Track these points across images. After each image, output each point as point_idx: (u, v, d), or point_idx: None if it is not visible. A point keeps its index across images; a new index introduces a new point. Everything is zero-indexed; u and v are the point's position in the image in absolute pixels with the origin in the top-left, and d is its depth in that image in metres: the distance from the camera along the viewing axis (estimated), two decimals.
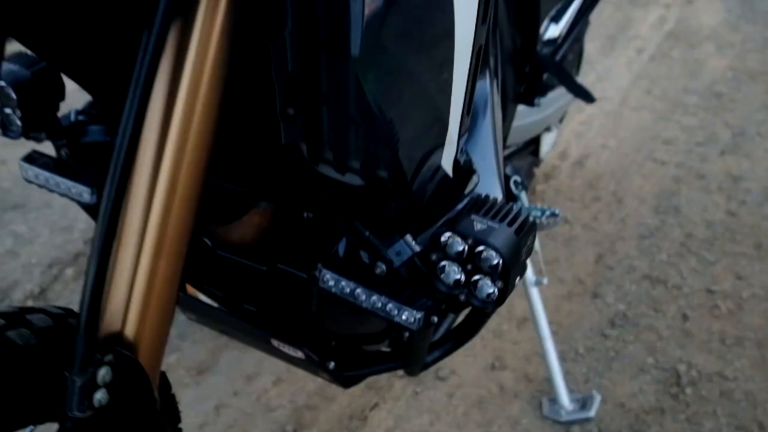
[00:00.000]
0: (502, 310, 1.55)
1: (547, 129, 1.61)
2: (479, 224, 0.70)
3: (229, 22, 0.56)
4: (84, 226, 1.91)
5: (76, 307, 0.61)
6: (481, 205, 0.73)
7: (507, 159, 1.49)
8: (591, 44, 2.73)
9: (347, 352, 0.96)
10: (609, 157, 2.11)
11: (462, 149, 0.80)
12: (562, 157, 2.10)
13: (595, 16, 2.48)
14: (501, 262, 0.69)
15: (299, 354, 0.95)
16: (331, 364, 0.94)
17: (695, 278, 1.67)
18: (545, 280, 1.33)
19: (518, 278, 0.75)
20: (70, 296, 1.70)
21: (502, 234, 0.69)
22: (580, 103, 2.24)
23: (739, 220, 1.86)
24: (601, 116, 2.30)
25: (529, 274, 1.34)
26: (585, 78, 2.46)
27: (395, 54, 0.61)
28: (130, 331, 0.60)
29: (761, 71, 2.60)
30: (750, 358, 1.48)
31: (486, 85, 0.84)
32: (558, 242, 1.77)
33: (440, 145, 0.75)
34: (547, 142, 1.69)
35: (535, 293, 1.36)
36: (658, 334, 1.53)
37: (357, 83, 0.62)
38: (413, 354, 0.89)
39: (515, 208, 0.73)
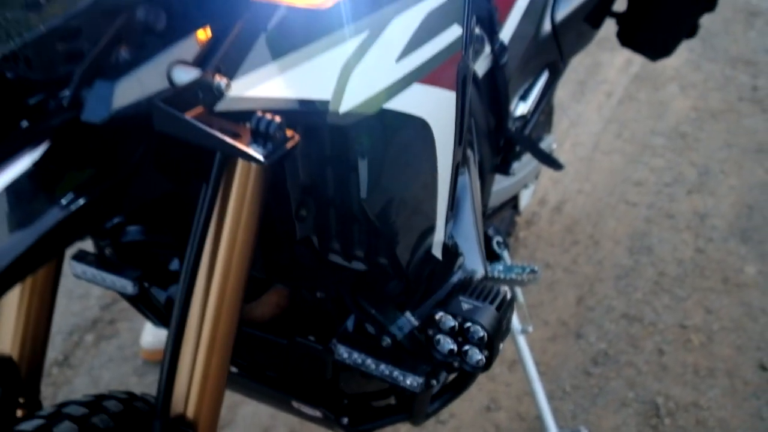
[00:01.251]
0: None
1: (525, 186, 1.76)
2: (466, 304, 0.85)
3: (260, 173, 0.71)
4: (99, 293, 2.04)
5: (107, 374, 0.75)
6: (467, 286, 0.88)
7: (490, 217, 1.63)
8: (562, 91, 2.91)
9: (358, 408, 1.10)
10: (584, 202, 2.27)
11: (449, 235, 0.95)
12: (541, 203, 2.25)
13: None
14: (486, 335, 0.83)
15: (317, 413, 1.09)
16: (345, 420, 1.08)
17: (669, 314, 1.82)
18: (530, 328, 1.47)
19: (501, 343, 0.89)
20: (92, 361, 1.82)
21: (486, 312, 0.84)
22: (558, 150, 2.41)
23: (707, 257, 2.02)
24: (575, 162, 2.47)
25: (516, 323, 1.48)
26: (559, 125, 2.64)
27: (390, 178, 0.76)
28: (191, 412, 0.73)
29: (722, 110, 2.78)
30: (721, 387, 1.63)
31: (466, 179, 0.99)
32: (541, 286, 1.92)
33: (430, 234, 0.90)
34: (525, 197, 1.85)
35: (521, 340, 1.50)
36: (637, 370, 1.67)
37: (358, 194, 0.77)
38: (416, 407, 1.03)
39: (495, 288, 0.88)
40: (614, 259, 2.02)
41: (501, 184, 1.51)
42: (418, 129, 0.74)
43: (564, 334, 1.78)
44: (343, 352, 0.93)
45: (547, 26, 1.38)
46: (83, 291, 2.04)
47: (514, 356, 1.69)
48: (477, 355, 0.85)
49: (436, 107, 0.75)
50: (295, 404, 1.10)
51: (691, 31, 1.62)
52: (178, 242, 1.03)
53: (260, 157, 0.53)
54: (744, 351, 1.72)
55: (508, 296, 0.88)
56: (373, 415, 1.09)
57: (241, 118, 0.56)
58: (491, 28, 1.17)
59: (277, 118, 0.55)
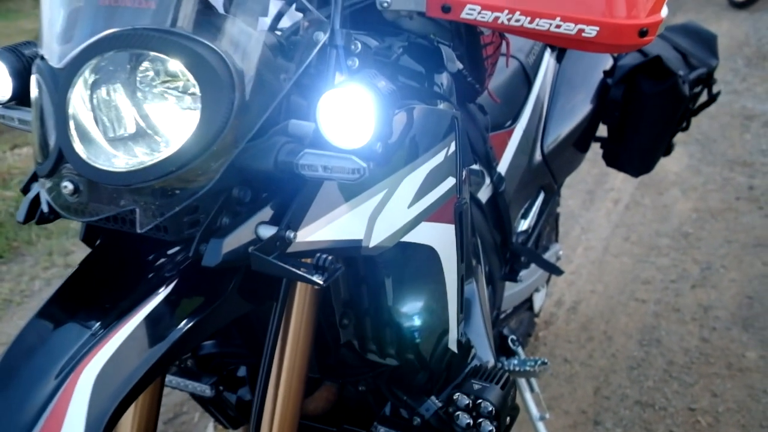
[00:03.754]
0: None
1: (536, 290, 2.00)
2: (477, 385, 1.08)
3: (314, 293, 0.97)
4: (162, 408, 2.27)
5: None
6: (477, 371, 1.12)
7: (507, 319, 1.87)
8: (573, 200, 3.18)
9: None
10: (597, 301, 2.48)
11: (462, 333, 1.19)
12: (557, 305, 2.48)
13: (574, 174, 2.94)
14: (494, 409, 1.06)
15: None
16: None
17: (678, 399, 2.01)
18: (547, 415, 1.68)
19: (509, 418, 1.12)
20: None
21: (493, 391, 1.07)
22: (569, 256, 2.65)
23: (711, 345, 2.21)
24: (588, 265, 2.70)
25: (534, 410, 1.69)
26: (570, 232, 2.90)
27: (410, 290, 1.02)
28: None
29: (721, 209, 3.02)
30: None
31: (474, 287, 1.24)
32: (561, 380, 2.12)
33: (446, 333, 1.14)
34: (538, 300, 2.08)
35: (541, 426, 1.70)
36: None
37: (387, 306, 1.03)
38: None
39: (500, 371, 1.12)
40: (626, 351, 2.22)
41: (512, 290, 1.75)
42: (428, 254, 1.01)
43: (583, 421, 1.96)
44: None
45: (537, 156, 1.66)
46: None
47: None
48: (488, 426, 1.07)
49: (440, 236, 1.02)
50: None
51: (667, 149, 1.89)
52: (247, 353, 1.29)
53: (321, 282, 0.79)
54: (748, 429, 1.88)
55: (511, 378, 1.11)
56: None
57: (304, 256, 0.82)
58: (489, 163, 1.45)
59: (330, 257, 0.81)
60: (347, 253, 0.88)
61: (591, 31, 0.87)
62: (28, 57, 0.92)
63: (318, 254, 0.80)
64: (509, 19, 0.89)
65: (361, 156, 0.75)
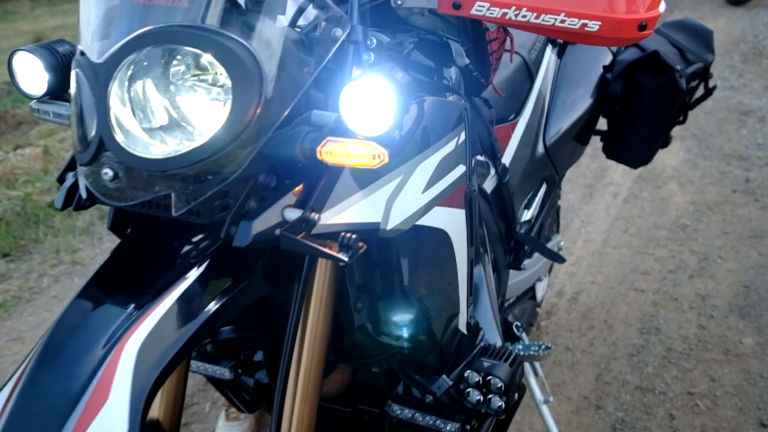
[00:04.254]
0: (526, 426, 1.94)
1: (539, 279, 2.05)
2: (486, 363, 1.14)
3: (332, 274, 1.02)
4: None
5: None
6: (486, 350, 1.17)
7: (511, 307, 1.92)
8: (573, 194, 3.24)
9: None
10: (598, 291, 2.54)
11: (471, 315, 1.25)
12: (558, 295, 2.53)
13: (574, 169, 2.99)
14: (503, 385, 1.12)
15: None
16: None
17: (677, 384, 2.06)
18: (551, 398, 1.73)
19: (517, 395, 1.17)
20: None
21: (502, 368, 1.13)
22: (569, 248, 2.70)
23: (709, 332, 2.27)
24: (588, 256, 2.76)
25: (538, 395, 1.74)
26: (571, 225, 2.95)
27: (423, 271, 1.08)
28: None
29: (717, 202, 3.08)
30: None
31: (481, 272, 1.30)
32: (563, 367, 2.18)
33: (456, 315, 1.20)
34: (540, 289, 2.14)
35: (545, 410, 1.75)
36: None
37: (401, 288, 1.08)
38: None
39: (508, 350, 1.17)
40: (626, 339, 2.28)
41: (516, 278, 1.81)
42: (441, 237, 1.06)
43: (586, 406, 2.02)
44: (396, 409, 1.21)
45: (540, 148, 1.72)
46: None
47: (542, 428, 1.94)
48: (498, 402, 1.13)
49: (451, 221, 1.07)
50: None
51: (665, 142, 1.95)
52: (264, 337, 1.34)
53: (346, 258, 0.85)
54: (745, 411, 1.94)
55: (519, 356, 1.17)
56: None
57: (327, 237, 0.88)
58: (494, 155, 1.51)
59: (354, 235, 0.87)
60: (366, 235, 0.93)
61: (593, 26, 0.92)
62: (62, 54, 0.98)
63: (342, 234, 0.86)
64: (516, 15, 0.94)
65: (381, 143, 0.81)
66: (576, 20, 0.92)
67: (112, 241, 3.44)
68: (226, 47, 0.79)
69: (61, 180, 0.98)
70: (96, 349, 0.76)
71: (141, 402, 0.74)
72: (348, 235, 0.86)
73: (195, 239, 0.92)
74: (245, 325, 1.38)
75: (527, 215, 1.75)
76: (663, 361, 2.16)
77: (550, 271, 2.18)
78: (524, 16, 0.94)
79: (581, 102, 1.83)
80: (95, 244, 3.44)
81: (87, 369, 0.75)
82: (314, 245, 0.83)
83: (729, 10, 6.38)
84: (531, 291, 2.08)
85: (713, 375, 2.09)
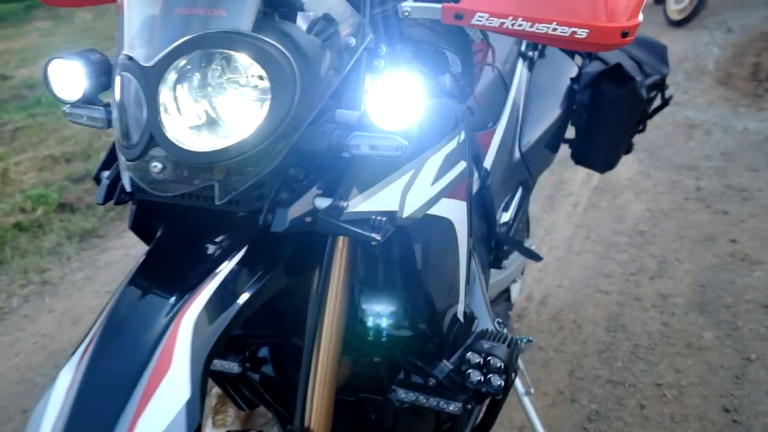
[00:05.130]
0: (505, 421, 2.04)
1: (514, 281, 2.16)
2: (486, 344, 1.23)
3: (348, 261, 1.11)
4: None
5: None
6: (484, 335, 1.27)
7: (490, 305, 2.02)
8: (535, 206, 3.38)
9: None
10: (565, 294, 2.67)
11: (467, 305, 1.35)
12: (528, 299, 2.65)
13: None
14: (503, 364, 1.21)
15: None
16: None
17: (645, 376, 2.19)
18: (532, 390, 1.83)
19: (514, 374, 1.27)
20: None
21: (501, 348, 1.22)
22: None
23: (671, 328, 2.41)
24: (553, 262, 2.89)
25: (519, 387, 1.84)
26: (536, 233, 3.08)
27: (433, 257, 1.17)
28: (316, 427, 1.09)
29: (672, 209, 3.25)
30: (694, 429, 1.98)
31: (474, 266, 1.39)
32: (537, 365, 2.29)
33: (455, 304, 1.29)
34: (515, 290, 2.25)
35: (527, 401, 1.85)
36: (624, 422, 2.02)
37: (409, 277, 1.17)
38: None
39: (504, 333, 1.27)
40: (595, 337, 2.40)
41: (495, 278, 1.91)
42: (447, 226, 1.16)
43: (561, 400, 2.13)
44: (402, 394, 1.29)
45: (516, 154, 1.83)
46: None
47: (522, 422, 2.04)
48: (497, 380, 1.22)
49: (455, 211, 1.17)
50: None
51: (628, 148, 2.09)
52: (270, 333, 1.42)
53: (378, 238, 0.94)
54: (709, 399, 2.08)
55: (515, 339, 1.26)
56: None
57: (356, 222, 0.97)
58: (477, 159, 1.61)
59: (383, 218, 0.96)
60: (378, 226, 1.02)
61: (582, 33, 1.03)
62: (94, 62, 1.05)
63: (372, 217, 0.95)
64: (513, 24, 1.05)
65: (402, 137, 0.90)
66: (567, 28, 1.03)
67: (80, 261, 3.46)
68: (266, 51, 0.88)
69: (97, 179, 1.04)
70: (156, 325, 0.83)
71: (200, 370, 0.81)
72: (377, 217, 0.96)
73: (227, 232, 1.00)
74: (251, 323, 1.45)
75: (505, 217, 1.86)
76: (631, 356, 2.29)
77: (522, 272, 2.29)
78: (520, 25, 1.05)
79: (552, 111, 1.96)
80: (64, 263, 3.44)
81: (149, 341, 0.82)
82: (349, 227, 0.92)
83: (671, 30, 6.69)
84: (506, 292, 2.19)
85: (678, 367, 2.22)
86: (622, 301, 2.59)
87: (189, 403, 0.79)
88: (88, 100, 1.06)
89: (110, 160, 1.05)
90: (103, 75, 1.05)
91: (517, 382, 1.85)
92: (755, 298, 2.53)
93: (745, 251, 2.84)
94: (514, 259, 1.99)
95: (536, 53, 2.03)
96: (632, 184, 3.55)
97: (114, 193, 1.00)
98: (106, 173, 1.04)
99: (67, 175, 4.48)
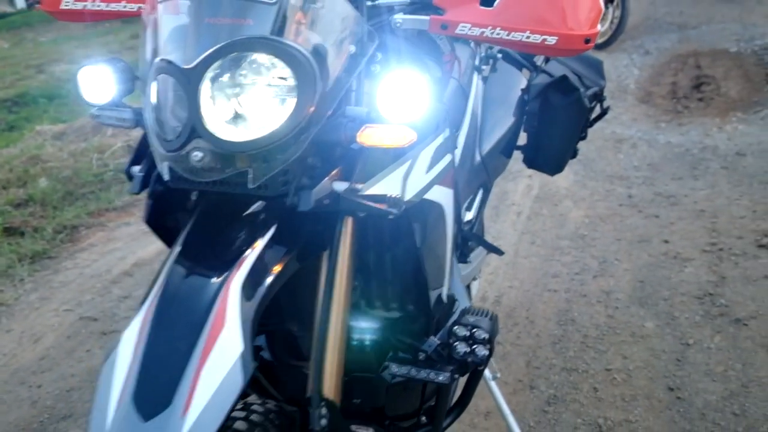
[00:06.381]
0: (472, 408, 2.19)
1: (474, 278, 2.33)
2: (471, 319, 1.38)
3: (353, 242, 1.24)
4: None
5: None
6: (469, 311, 1.42)
7: None
8: None
9: (397, 425, 1.58)
10: (516, 294, 2.85)
11: (449, 288, 1.49)
12: (482, 300, 2.82)
13: None
14: (488, 336, 1.36)
15: (370, 430, 1.56)
16: None
17: (596, 363, 2.38)
18: (498, 375, 1.99)
19: (493, 346, 1.42)
20: None
21: (484, 321, 1.37)
22: (485, 260, 3.00)
23: (616, 320, 2.61)
24: (503, 266, 3.08)
25: (487, 372, 2.00)
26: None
27: (429, 236, 1.31)
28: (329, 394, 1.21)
29: (608, 215, 3.49)
30: (643, 406, 2.17)
31: (452, 252, 1.54)
32: (497, 358, 2.45)
33: (441, 287, 1.44)
34: (474, 287, 2.41)
35: (494, 386, 2.01)
36: (580, 404, 2.20)
37: (403, 262, 1.31)
38: (437, 417, 1.52)
39: (486, 310, 1.42)
40: (548, 331, 2.58)
41: (461, 273, 2.07)
42: (439, 210, 1.31)
43: (521, 388, 2.29)
44: (395, 368, 1.42)
45: (477, 158, 2.00)
46: None
47: (488, 408, 2.19)
48: (483, 351, 1.37)
49: (445, 197, 1.32)
50: (354, 427, 1.57)
51: (574, 153, 2.29)
52: (272, 322, 1.53)
53: (397, 211, 1.08)
54: (655, 380, 2.28)
55: (495, 314, 1.42)
56: (408, 429, 1.57)
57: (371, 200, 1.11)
58: None
59: (397, 195, 1.10)
60: (389, 205, 1.17)
61: (552, 40, 1.21)
62: (120, 69, 1.16)
63: (387, 194, 1.09)
64: (492, 33, 1.21)
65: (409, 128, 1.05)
66: (539, 36, 1.20)
67: (34, 282, 3.46)
68: (293, 54, 1.01)
69: (128, 173, 1.15)
70: (208, 291, 0.95)
71: (249, 327, 0.93)
72: (392, 195, 1.10)
73: (254, 216, 1.12)
74: None
75: (468, 216, 2.02)
76: (581, 345, 2.48)
77: (479, 271, 2.46)
78: (498, 34, 1.21)
79: (506, 120, 2.14)
80: (17, 285, 3.44)
81: (203, 305, 0.93)
82: (369, 203, 1.06)
83: (593, 53, 7.05)
84: (467, 289, 2.34)
85: (624, 353, 2.42)
86: (570, 298, 2.79)
87: (243, 355, 0.91)
88: (116, 104, 1.17)
89: (138, 157, 1.16)
90: (129, 81, 1.17)
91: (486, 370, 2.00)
92: (689, 290, 2.77)
93: (676, 250, 3.09)
94: (476, 255, 2.15)
95: (488, 67, 2.22)
96: (570, 193, 3.79)
97: (148, 183, 1.11)
98: (136, 168, 1.15)
99: (7, 201, 4.44)
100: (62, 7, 1.32)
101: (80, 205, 4.30)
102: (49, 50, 11.48)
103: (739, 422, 2.07)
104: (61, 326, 3.00)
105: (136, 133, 5.85)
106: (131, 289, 3.26)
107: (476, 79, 2.14)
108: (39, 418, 2.43)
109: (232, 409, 0.89)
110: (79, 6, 1.30)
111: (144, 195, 1.18)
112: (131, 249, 3.71)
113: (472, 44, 2.00)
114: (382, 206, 1.08)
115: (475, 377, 1.51)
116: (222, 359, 0.90)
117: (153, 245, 3.70)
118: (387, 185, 1.15)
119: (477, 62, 2.18)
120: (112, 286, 3.32)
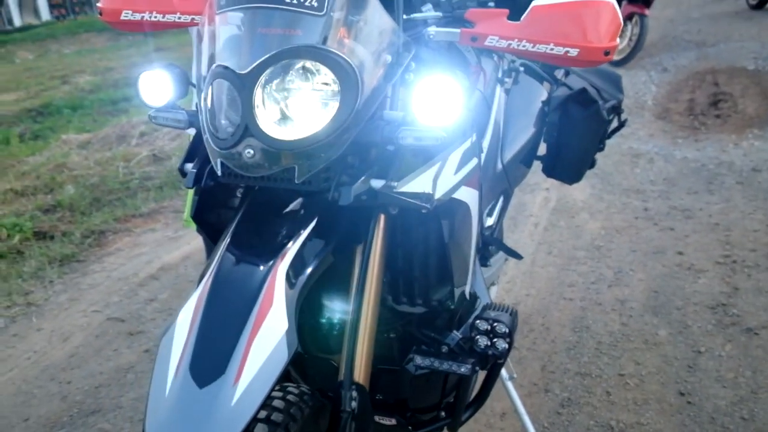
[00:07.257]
0: (488, 409, 2.26)
1: (493, 284, 2.40)
2: (492, 314, 1.46)
3: (385, 236, 1.32)
4: None
5: None
6: (490, 306, 1.50)
7: None
8: None
9: (419, 417, 1.66)
10: (533, 302, 2.92)
11: (471, 286, 1.58)
12: None
13: None
14: (507, 329, 1.44)
15: (392, 421, 1.64)
16: (410, 427, 1.63)
17: (609, 368, 2.45)
18: (515, 375, 2.06)
19: (512, 344, 1.50)
20: None
21: (505, 316, 1.46)
22: (505, 269, 3.07)
23: (630, 328, 2.68)
24: (520, 275, 3.15)
25: (504, 373, 2.07)
26: None
27: (456, 233, 1.40)
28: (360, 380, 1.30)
29: (624, 227, 3.56)
30: (654, 410, 2.23)
31: (475, 252, 1.63)
32: (513, 362, 2.52)
33: (464, 285, 1.52)
34: (492, 293, 2.49)
35: (510, 386, 2.08)
36: (593, 406, 2.27)
37: (431, 258, 1.40)
38: (457, 410, 1.60)
39: (507, 306, 1.50)
40: (563, 337, 2.65)
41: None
42: (465, 209, 1.40)
43: (536, 391, 2.36)
44: (419, 360, 1.51)
45: (499, 166, 2.09)
46: (141, 416, 2.50)
47: (503, 409, 2.26)
48: (503, 344, 1.45)
49: (471, 197, 1.41)
50: (378, 417, 1.65)
51: (592, 164, 2.37)
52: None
53: (430, 207, 1.17)
54: (666, 385, 2.34)
55: (515, 309, 1.50)
56: (428, 422, 1.65)
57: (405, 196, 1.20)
58: None
59: (430, 191, 1.19)
60: (422, 201, 1.26)
61: (573, 52, 1.29)
62: (176, 74, 1.26)
63: (419, 191, 1.18)
64: (518, 45, 1.30)
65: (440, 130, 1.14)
66: (561, 48, 1.29)
67: (63, 284, 3.57)
68: (338, 62, 1.11)
69: (181, 170, 1.25)
70: (257, 274, 1.05)
71: (293, 308, 1.02)
72: (425, 191, 1.19)
73: (297, 210, 1.21)
74: None
75: (489, 221, 2.10)
76: (595, 351, 2.55)
77: (498, 277, 2.53)
78: (524, 46, 1.30)
79: (527, 130, 2.22)
80: (47, 286, 3.55)
81: (254, 286, 1.03)
82: (404, 198, 1.15)
83: (611, 69, 7.13)
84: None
85: (637, 360, 2.48)
86: (585, 306, 2.86)
87: (288, 332, 1.00)
88: (171, 106, 1.27)
89: (191, 155, 1.26)
90: (183, 85, 1.27)
91: (502, 370, 2.08)
92: (702, 300, 2.83)
93: (690, 261, 3.15)
94: (496, 260, 2.24)
95: (511, 80, 2.31)
96: (587, 205, 3.86)
97: (201, 179, 1.21)
98: (189, 165, 1.25)
99: (36, 206, 4.57)
100: (122, 18, 1.42)
101: (107, 211, 4.42)
102: (73, 62, 11.73)
103: (748, 426, 2.13)
104: (90, 326, 3.10)
105: (161, 142, 5.99)
106: (157, 292, 3.36)
107: (499, 90, 2.23)
108: (69, 412, 2.52)
109: (278, 381, 0.98)
110: (138, 17, 1.40)
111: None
112: (157, 254, 3.81)
113: (496, 57, 2.09)
114: (416, 202, 1.17)
115: (494, 372, 1.59)
116: (270, 334, 0.99)
117: (178, 251, 3.81)
118: (419, 184, 1.24)
119: (500, 75, 2.27)
120: (138, 289, 3.42)
